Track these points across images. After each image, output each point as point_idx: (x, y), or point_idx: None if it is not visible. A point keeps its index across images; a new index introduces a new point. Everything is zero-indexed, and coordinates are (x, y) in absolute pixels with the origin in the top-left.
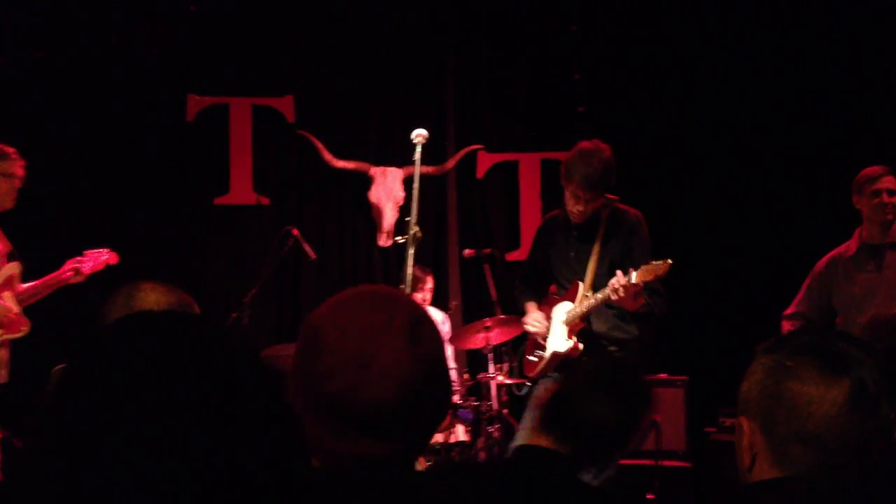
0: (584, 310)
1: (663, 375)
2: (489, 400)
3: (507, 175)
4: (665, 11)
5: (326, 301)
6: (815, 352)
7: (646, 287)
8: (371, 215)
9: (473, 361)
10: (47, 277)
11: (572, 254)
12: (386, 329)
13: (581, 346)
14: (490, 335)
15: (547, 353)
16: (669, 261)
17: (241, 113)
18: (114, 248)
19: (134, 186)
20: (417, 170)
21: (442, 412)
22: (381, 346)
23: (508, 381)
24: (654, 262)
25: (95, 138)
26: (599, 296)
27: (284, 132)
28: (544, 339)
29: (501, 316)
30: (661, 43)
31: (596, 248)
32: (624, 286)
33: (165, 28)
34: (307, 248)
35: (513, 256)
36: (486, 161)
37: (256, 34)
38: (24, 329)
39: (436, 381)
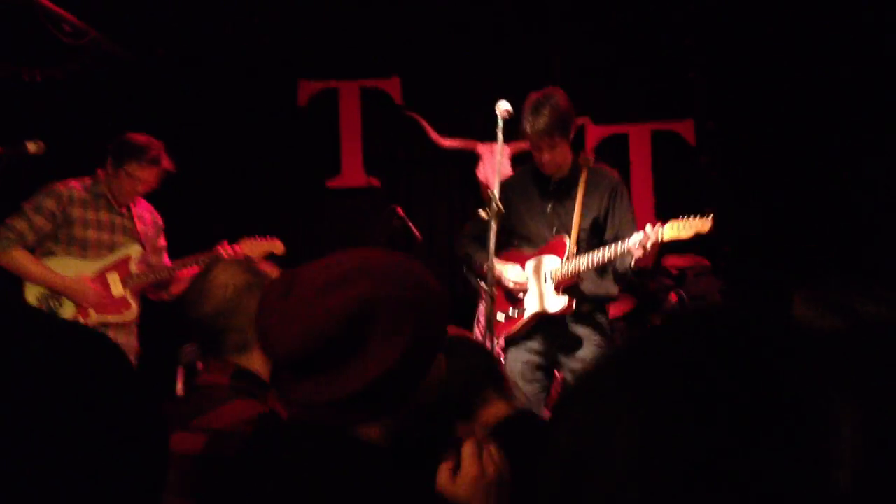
0: (584, 266)
1: None
2: None
3: (616, 148)
4: None
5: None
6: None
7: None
8: (480, 193)
9: None
10: (188, 258)
11: (549, 207)
12: (312, 281)
13: (574, 303)
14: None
15: (528, 312)
16: (711, 216)
17: (350, 96)
18: (229, 233)
19: (250, 171)
20: (500, 143)
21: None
22: (295, 292)
23: None
24: (692, 219)
25: (212, 127)
26: (610, 251)
27: (392, 113)
28: (521, 295)
29: None
30: (776, 6)
31: (578, 203)
32: (654, 243)
33: (276, 16)
34: (412, 227)
35: None
36: (594, 134)
37: (361, 18)
38: (124, 312)
39: (354, 338)
